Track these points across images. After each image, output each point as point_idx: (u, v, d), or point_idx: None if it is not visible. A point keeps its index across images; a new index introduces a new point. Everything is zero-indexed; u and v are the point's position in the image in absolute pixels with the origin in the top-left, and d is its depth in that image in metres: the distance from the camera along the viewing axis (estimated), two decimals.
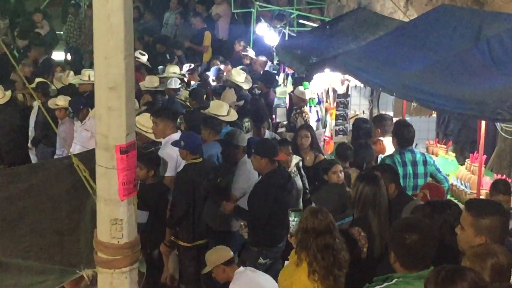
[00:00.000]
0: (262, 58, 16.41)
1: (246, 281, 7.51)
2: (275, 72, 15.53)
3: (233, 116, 11.23)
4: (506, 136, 11.35)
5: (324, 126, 12.57)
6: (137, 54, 15.31)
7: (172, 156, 9.51)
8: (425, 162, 9.29)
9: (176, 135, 9.70)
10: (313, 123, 12.69)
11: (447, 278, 4.21)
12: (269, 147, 8.71)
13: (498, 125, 10.85)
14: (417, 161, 9.25)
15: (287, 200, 8.55)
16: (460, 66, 8.19)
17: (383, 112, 11.71)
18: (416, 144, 11.29)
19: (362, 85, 11.52)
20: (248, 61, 16.71)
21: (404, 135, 9.35)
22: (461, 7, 11.81)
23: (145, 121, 10.27)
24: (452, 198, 9.33)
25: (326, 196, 7.47)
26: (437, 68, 8.39)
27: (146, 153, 9.50)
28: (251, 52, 16.98)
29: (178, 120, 10.70)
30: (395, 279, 5.14)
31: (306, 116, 12.74)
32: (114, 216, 4.40)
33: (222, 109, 11.11)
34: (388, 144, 10.23)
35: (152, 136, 10.17)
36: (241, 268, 7.69)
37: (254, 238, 8.65)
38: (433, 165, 9.36)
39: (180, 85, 14.11)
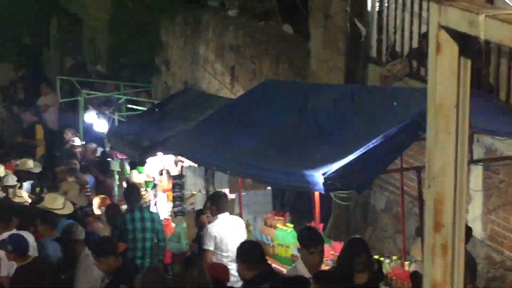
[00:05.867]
0: (92, 145, 16.26)
1: None
2: (109, 159, 15.39)
3: (69, 208, 10.99)
4: (340, 202, 11.65)
5: None
6: None
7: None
8: (152, 219, 11.17)
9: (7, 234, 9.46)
10: (152, 206, 12.61)
11: None
12: (109, 244, 8.54)
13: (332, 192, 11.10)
14: (145, 218, 11.08)
15: None
16: (289, 140, 8.36)
17: (219, 189, 11.76)
18: (255, 218, 11.42)
19: (196, 165, 11.57)
20: (79, 149, 16.51)
21: (131, 197, 11.40)
22: (285, 81, 12.14)
23: None
24: None
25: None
26: (267, 143, 8.53)
27: None
28: (77, 141, 16.78)
29: None
30: None
31: (142, 200, 12.66)
32: None
33: (56, 202, 10.86)
34: (224, 220, 10.30)
35: None
36: None
37: None
38: (161, 224, 11.39)
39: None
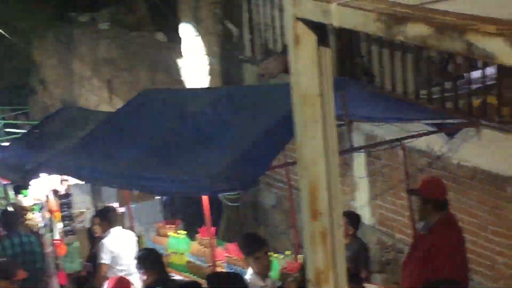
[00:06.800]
0: None
1: None
2: None
3: None
4: (230, 203, 11.71)
5: (51, 230, 12.28)
6: None
7: None
8: (30, 242, 11.06)
9: None
10: (41, 229, 12.38)
11: None
12: (4, 268, 8.40)
13: (220, 194, 11.14)
14: (23, 242, 11.00)
15: None
16: (171, 147, 8.33)
17: (108, 204, 11.65)
18: (147, 229, 11.35)
19: (82, 182, 11.41)
20: None
21: (7, 223, 11.34)
22: (162, 89, 12.11)
23: None
24: (191, 275, 9.43)
25: None
26: (150, 153, 8.47)
27: None
28: None
29: None
30: None
31: (31, 223, 12.41)
32: None
33: None
34: (117, 234, 10.21)
35: None
36: None
37: None
38: (38, 246, 11.20)
39: None
